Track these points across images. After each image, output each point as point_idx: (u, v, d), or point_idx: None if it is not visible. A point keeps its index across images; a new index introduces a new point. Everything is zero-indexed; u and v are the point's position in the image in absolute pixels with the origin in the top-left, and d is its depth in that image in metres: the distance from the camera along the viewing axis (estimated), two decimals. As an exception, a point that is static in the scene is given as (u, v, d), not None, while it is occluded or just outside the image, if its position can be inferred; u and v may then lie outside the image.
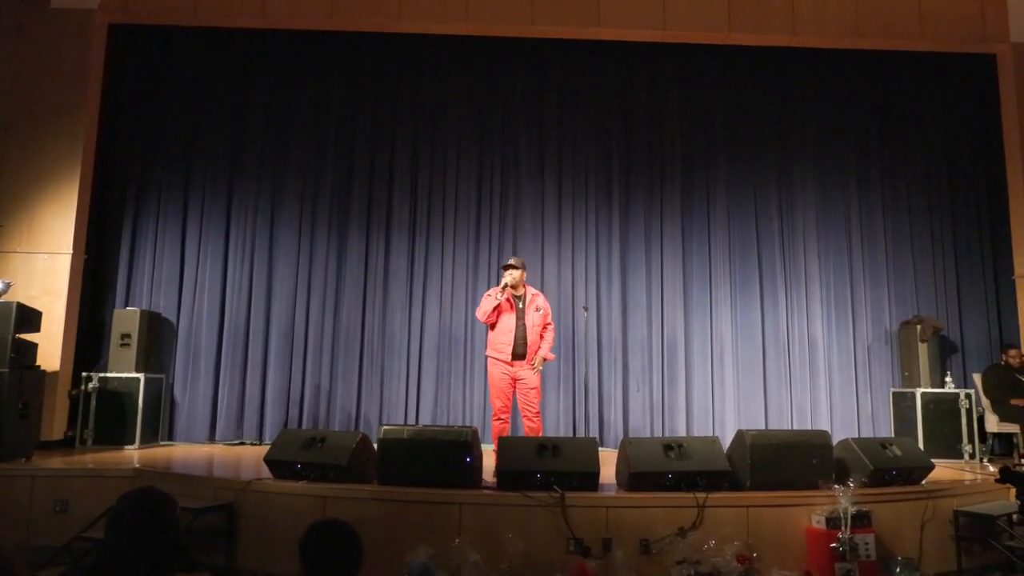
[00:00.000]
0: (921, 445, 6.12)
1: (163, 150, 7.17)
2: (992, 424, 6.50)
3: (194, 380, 6.87)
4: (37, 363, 5.69)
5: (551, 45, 7.37)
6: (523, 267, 5.60)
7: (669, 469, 4.11)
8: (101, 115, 6.97)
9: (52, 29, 6.73)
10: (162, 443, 6.61)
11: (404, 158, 7.27)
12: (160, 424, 6.62)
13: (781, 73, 7.52)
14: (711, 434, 6.38)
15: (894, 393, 6.88)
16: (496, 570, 3.70)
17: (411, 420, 6.86)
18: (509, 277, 5.49)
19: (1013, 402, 6.28)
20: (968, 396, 6.44)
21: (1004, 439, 6.73)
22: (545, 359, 5.58)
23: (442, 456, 4.13)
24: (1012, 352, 6.60)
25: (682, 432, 6.87)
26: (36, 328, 5.71)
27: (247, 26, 7.17)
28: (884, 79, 7.55)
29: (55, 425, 6.29)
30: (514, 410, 5.65)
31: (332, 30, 7.22)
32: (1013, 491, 2.59)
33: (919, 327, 6.74)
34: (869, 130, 7.53)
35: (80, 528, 4.14)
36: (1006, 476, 2.60)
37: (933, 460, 4.88)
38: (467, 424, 6.72)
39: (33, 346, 5.59)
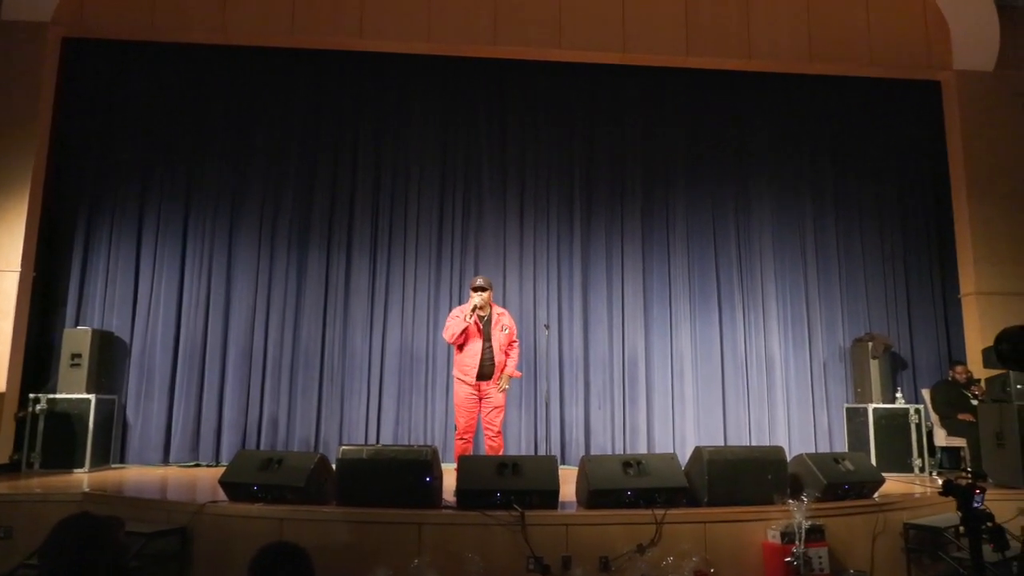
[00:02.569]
0: (873, 459, 6.26)
1: (118, 165, 7.03)
2: (940, 438, 6.69)
3: (147, 401, 6.70)
4: (-18, 384, 5.52)
5: (513, 65, 7.46)
6: (490, 287, 5.62)
7: (628, 486, 4.14)
8: (53, 129, 6.83)
9: (3, 42, 6.59)
10: (114, 466, 6.42)
11: (366, 175, 7.25)
12: (112, 446, 6.43)
13: (739, 96, 7.71)
14: (672, 451, 6.44)
15: (847, 409, 7.04)
16: (455, 591, 3.68)
17: (372, 439, 6.79)
18: (479, 299, 5.48)
19: (960, 417, 6.47)
20: (918, 411, 6.62)
21: (952, 453, 6.93)
22: (511, 376, 5.61)
23: (402, 476, 4.09)
24: (959, 369, 6.83)
25: (644, 449, 6.92)
26: (-19, 348, 5.54)
27: (207, 42, 7.11)
28: (837, 104, 7.80)
29: (0, 449, 6.08)
30: (476, 429, 5.64)
31: (293, 47, 7.21)
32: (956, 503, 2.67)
33: (870, 344, 6.92)
34: (822, 153, 7.75)
35: (24, 556, 4.00)
36: (948, 489, 2.68)
37: (885, 474, 5.01)
38: (429, 443, 6.66)
39: (-22, 366, 5.42)
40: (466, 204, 7.33)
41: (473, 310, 5.46)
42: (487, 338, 5.51)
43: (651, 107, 7.63)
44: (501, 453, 5.50)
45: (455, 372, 5.59)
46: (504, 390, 5.53)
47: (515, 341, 5.66)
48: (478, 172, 7.37)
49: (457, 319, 5.53)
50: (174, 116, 7.14)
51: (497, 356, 5.50)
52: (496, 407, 5.48)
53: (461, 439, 5.47)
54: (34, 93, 6.61)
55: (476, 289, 5.52)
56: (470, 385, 5.47)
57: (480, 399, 5.49)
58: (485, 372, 5.48)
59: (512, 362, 5.58)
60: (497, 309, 5.70)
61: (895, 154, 7.80)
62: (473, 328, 5.49)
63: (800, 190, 7.66)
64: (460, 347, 5.55)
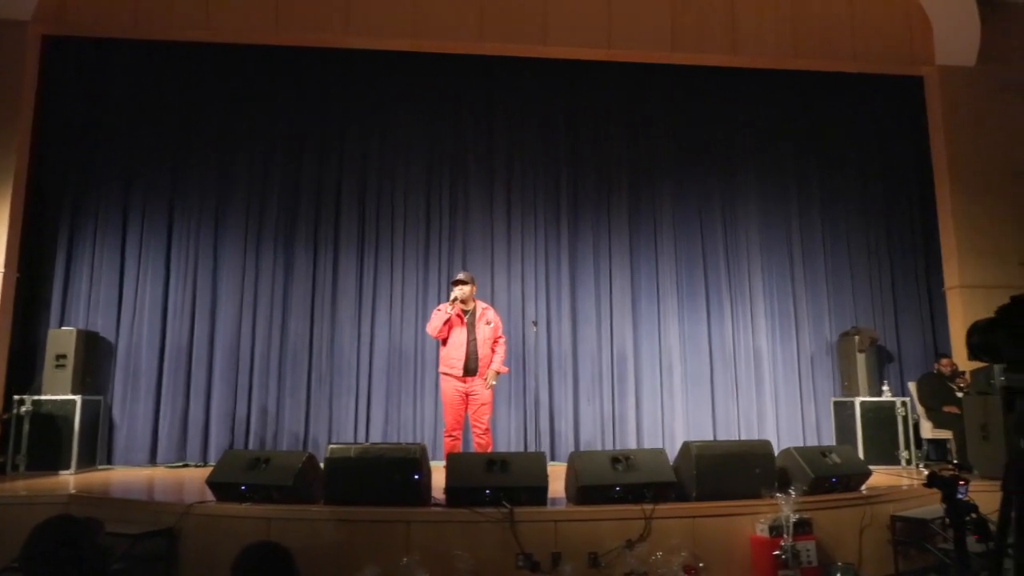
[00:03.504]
0: (861, 452, 6.31)
1: (101, 164, 6.96)
2: (927, 431, 6.75)
3: (134, 401, 6.65)
4: (-36, 386, 5.46)
5: (499, 62, 7.44)
6: (472, 282, 5.62)
7: (616, 482, 4.15)
8: (35, 129, 6.76)
9: (-17, 40, 6.52)
10: (100, 467, 6.37)
11: (352, 174, 7.22)
12: (98, 447, 6.39)
13: (724, 91, 7.73)
14: (661, 446, 6.46)
15: (835, 402, 7.09)
16: (445, 588, 3.67)
17: (361, 438, 6.77)
18: (459, 291, 5.50)
19: (946, 409, 6.53)
20: (904, 404, 6.68)
21: (939, 445, 6.99)
22: (498, 372, 5.61)
23: (390, 474, 4.08)
24: (944, 361, 6.88)
25: (633, 444, 6.93)
26: (-37, 350, 5.47)
27: (190, 39, 7.05)
28: (821, 99, 7.83)
29: (-16, 451, 6.02)
30: (466, 427, 5.64)
31: (278, 44, 7.15)
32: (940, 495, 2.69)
33: (857, 338, 6.97)
34: (808, 148, 7.78)
35: (11, 559, 3.96)
36: (933, 481, 2.70)
37: (872, 467, 5.05)
38: (418, 441, 6.65)
39: (-40, 369, 5.36)
40: (453, 201, 7.31)
41: (453, 301, 5.48)
42: (471, 331, 5.52)
43: (637, 103, 7.64)
44: (490, 450, 5.50)
45: (441, 368, 5.58)
46: (491, 386, 5.53)
47: (501, 337, 5.67)
48: (464, 169, 7.36)
49: (439, 312, 5.55)
50: (158, 114, 7.08)
51: (482, 350, 5.51)
52: (483, 404, 5.48)
53: (449, 436, 5.47)
54: (15, 92, 6.54)
55: (456, 283, 5.54)
56: (457, 379, 5.46)
57: (467, 396, 5.48)
58: (471, 367, 5.48)
59: (499, 358, 5.58)
60: (481, 304, 5.71)
61: (879, 149, 7.85)
62: (456, 320, 5.50)
63: (786, 185, 7.70)
64: (444, 341, 5.56)
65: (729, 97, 7.73)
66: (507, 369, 5.94)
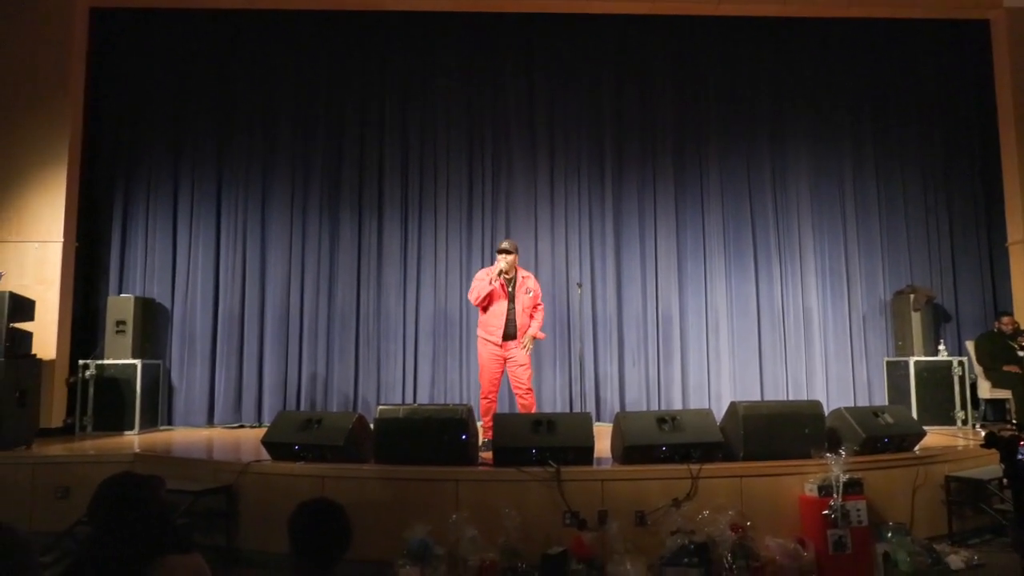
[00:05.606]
0: (915, 413, 6.16)
1: (151, 134, 7.12)
2: (985, 391, 6.55)
3: (191, 365, 6.89)
4: (32, 351, 5.70)
5: (539, 20, 7.31)
6: (515, 250, 5.57)
7: (663, 442, 4.15)
8: (86, 101, 6.93)
9: (32, 15, 6.67)
10: (161, 428, 6.64)
11: (394, 138, 7.23)
12: (159, 409, 6.66)
13: (773, 44, 7.46)
14: (707, 407, 6.41)
15: (888, 362, 6.92)
16: (493, 544, 3.74)
17: (408, 400, 6.89)
18: (504, 263, 5.44)
19: (1005, 368, 6.32)
20: (961, 364, 6.49)
21: (997, 405, 6.79)
22: (535, 338, 5.59)
23: (438, 434, 4.15)
24: (1005, 319, 6.64)
25: (678, 406, 6.90)
26: (30, 317, 5.71)
27: (232, 7, 7.09)
28: (876, 48, 7.50)
29: (54, 413, 6.33)
30: (507, 390, 5.67)
31: (318, 9, 7.15)
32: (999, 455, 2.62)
33: (912, 296, 6.77)
34: (862, 100, 7.48)
35: (81, 513, 4.18)
36: (991, 441, 2.63)
37: (926, 427, 4.93)
38: (464, 402, 6.73)
39: (28, 335, 5.60)
40: (495, 163, 7.27)
41: (500, 274, 5.43)
42: (512, 300, 5.49)
43: (682, 58, 7.43)
44: (534, 411, 5.52)
45: (479, 332, 5.58)
46: (528, 350, 5.51)
47: (540, 304, 5.62)
48: (506, 130, 7.29)
49: (482, 281, 5.50)
50: (202, 83, 7.18)
51: (521, 318, 5.47)
52: (521, 365, 5.46)
53: (485, 399, 5.49)
54: (66, 65, 6.69)
55: (501, 252, 5.49)
56: (495, 344, 5.47)
57: (504, 359, 5.49)
58: (510, 333, 5.47)
59: (536, 324, 5.55)
60: (522, 272, 5.63)
61: (938, 100, 7.50)
62: (499, 290, 5.46)
63: (838, 139, 7.43)
64: (485, 308, 5.55)
65: (778, 49, 7.46)
66: (544, 335, 5.92)
